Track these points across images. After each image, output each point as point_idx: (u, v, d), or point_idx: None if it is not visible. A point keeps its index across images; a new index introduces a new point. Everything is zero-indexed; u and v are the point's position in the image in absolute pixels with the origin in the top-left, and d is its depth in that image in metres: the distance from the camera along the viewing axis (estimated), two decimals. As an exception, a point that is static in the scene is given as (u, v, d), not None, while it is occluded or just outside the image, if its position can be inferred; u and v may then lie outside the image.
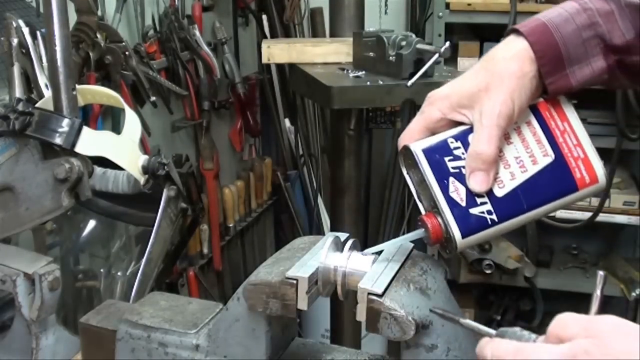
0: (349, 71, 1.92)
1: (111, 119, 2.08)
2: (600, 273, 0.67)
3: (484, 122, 0.76)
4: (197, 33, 2.58)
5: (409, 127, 0.82)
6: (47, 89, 1.52)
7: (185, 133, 2.77)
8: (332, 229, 2.25)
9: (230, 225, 3.03)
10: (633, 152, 2.94)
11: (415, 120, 0.83)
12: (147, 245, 1.21)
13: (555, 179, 0.78)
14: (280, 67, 3.19)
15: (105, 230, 1.48)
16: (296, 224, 3.34)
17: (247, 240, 3.29)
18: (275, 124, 3.33)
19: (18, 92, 1.57)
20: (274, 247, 3.45)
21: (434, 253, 3.01)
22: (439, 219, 0.77)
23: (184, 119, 2.67)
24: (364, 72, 1.89)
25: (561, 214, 2.91)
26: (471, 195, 0.76)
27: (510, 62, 0.78)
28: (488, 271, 2.94)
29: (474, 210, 0.76)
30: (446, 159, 0.78)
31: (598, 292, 0.65)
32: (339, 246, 0.81)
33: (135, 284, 1.21)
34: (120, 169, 1.23)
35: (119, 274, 1.47)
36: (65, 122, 1.10)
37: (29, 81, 1.60)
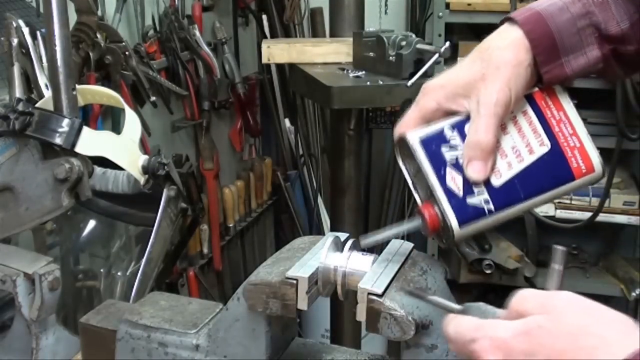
0: (349, 71, 1.92)
1: (111, 119, 2.08)
2: (560, 248, 0.68)
3: (481, 110, 0.76)
4: (197, 33, 2.58)
5: (404, 117, 0.82)
6: (47, 89, 1.52)
7: (185, 133, 2.77)
8: (332, 229, 2.25)
9: (230, 225, 3.03)
10: (633, 152, 2.94)
11: (410, 110, 0.82)
12: (147, 245, 1.21)
13: (552, 168, 0.78)
14: (280, 67, 3.19)
15: (105, 230, 1.48)
16: (296, 224, 3.34)
17: (247, 240, 3.29)
18: (275, 124, 3.33)
19: (18, 92, 1.57)
20: (274, 247, 3.45)
21: (434, 253, 3.02)
22: (436, 209, 0.76)
23: (184, 119, 2.67)
24: (364, 72, 1.89)
25: (561, 214, 2.91)
26: (468, 185, 0.76)
27: (505, 51, 0.77)
28: (488, 271, 2.94)
29: (471, 200, 0.76)
30: (443, 148, 0.78)
31: (556, 266, 0.66)
32: (339, 246, 0.81)
33: (135, 284, 1.21)
34: (120, 169, 1.23)
35: (119, 274, 1.47)
36: (65, 122, 1.10)
37: (29, 81, 1.60)
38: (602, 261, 3.21)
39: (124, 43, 2.03)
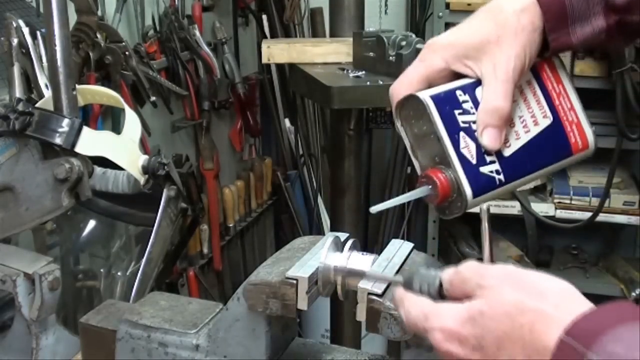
0: (349, 71, 1.92)
1: (111, 119, 2.08)
2: (482, 207, 0.69)
3: (499, 75, 0.73)
4: (197, 33, 2.58)
5: (406, 74, 0.78)
6: (47, 89, 1.52)
7: (185, 133, 2.77)
8: (332, 229, 2.25)
9: (230, 225, 3.03)
10: (633, 152, 2.94)
11: (414, 68, 0.78)
12: (147, 245, 1.21)
13: (554, 141, 0.77)
14: (280, 67, 3.19)
15: (105, 230, 1.48)
16: (296, 224, 3.34)
17: (247, 240, 3.29)
18: (275, 124, 3.33)
19: (18, 92, 1.57)
20: (274, 247, 3.45)
21: (434, 253, 3.02)
22: (448, 176, 0.72)
23: (184, 119, 2.67)
24: (364, 72, 1.89)
25: (561, 213, 2.91)
26: (481, 153, 0.73)
27: (522, 15, 0.75)
28: (488, 271, 2.94)
29: (484, 169, 0.73)
30: (456, 112, 0.73)
31: (485, 224, 0.67)
32: (339, 246, 0.81)
33: (135, 284, 1.21)
34: (120, 169, 1.23)
35: (119, 274, 1.47)
36: (65, 122, 1.10)
37: (29, 81, 1.60)
38: (602, 261, 3.21)
39: (124, 43, 2.03)
